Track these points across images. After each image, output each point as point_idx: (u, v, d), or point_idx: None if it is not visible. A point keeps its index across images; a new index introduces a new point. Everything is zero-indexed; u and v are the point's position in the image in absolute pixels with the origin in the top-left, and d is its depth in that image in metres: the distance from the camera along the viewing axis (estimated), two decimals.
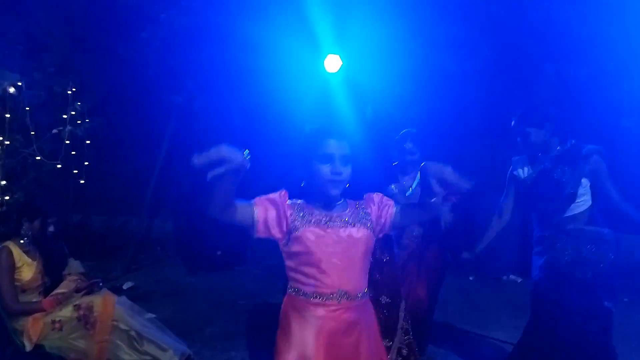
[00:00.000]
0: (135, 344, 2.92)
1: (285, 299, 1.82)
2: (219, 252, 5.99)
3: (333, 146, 1.74)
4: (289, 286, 1.80)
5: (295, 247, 1.73)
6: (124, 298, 3.21)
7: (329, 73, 5.40)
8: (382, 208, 1.84)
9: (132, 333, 2.93)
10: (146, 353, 2.91)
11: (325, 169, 1.73)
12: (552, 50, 6.12)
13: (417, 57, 5.81)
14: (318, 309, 1.71)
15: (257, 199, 1.75)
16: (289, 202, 1.79)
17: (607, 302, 2.81)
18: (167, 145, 6.54)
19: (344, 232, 1.74)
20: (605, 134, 6.09)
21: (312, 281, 1.71)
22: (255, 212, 1.72)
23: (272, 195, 1.78)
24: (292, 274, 1.77)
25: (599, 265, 2.77)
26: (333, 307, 1.71)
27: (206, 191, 1.62)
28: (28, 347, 2.76)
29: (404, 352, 2.63)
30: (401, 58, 5.75)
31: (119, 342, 2.89)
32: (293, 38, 5.90)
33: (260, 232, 1.74)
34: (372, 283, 2.51)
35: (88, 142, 6.13)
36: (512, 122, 2.95)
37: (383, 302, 2.62)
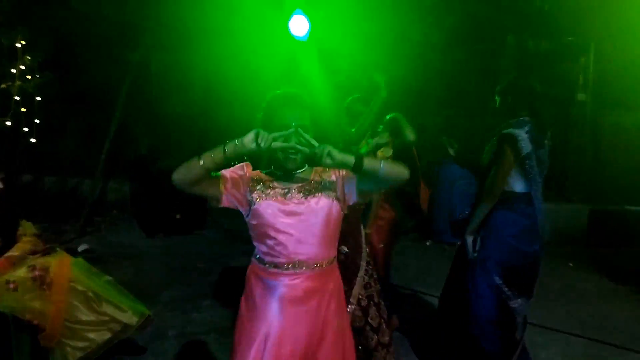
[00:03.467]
0: (93, 304, 2.86)
1: (250, 264, 1.84)
2: (178, 216, 5.91)
3: (289, 116, 1.69)
4: (254, 252, 1.81)
5: (254, 219, 1.73)
6: (80, 259, 3.12)
7: (295, 37, 5.29)
8: (345, 178, 1.79)
9: (90, 294, 2.87)
10: (105, 314, 2.86)
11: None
12: (514, 23, 6.23)
13: (385, 23, 5.78)
14: (278, 278, 1.72)
15: (222, 172, 1.72)
16: (251, 173, 1.78)
17: (486, 278, 2.70)
18: (123, 104, 6.30)
19: (302, 204, 1.72)
20: (561, 107, 6.33)
21: (269, 251, 1.72)
22: (221, 187, 1.71)
23: (236, 168, 1.76)
24: (254, 243, 1.78)
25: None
26: (291, 277, 1.72)
27: (186, 163, 1.62)
28: None
29: (363, 303, 2.64)
30: (369, 24, 5.71)
31: (76, 302, 2.82)
32: None
33: (225, 204, 1.74)
34: None
35: (39, 98, 5.83)
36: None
37: (342, 252, 2.63)
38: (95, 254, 5.10)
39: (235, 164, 1.76)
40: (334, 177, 1.80)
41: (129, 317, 2.91)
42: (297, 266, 1.72)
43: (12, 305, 2.68)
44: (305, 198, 1.73)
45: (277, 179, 1.77)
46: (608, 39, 6.27)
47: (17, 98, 5.53)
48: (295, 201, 1.72)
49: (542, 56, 5.89)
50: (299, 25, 5.26)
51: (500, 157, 2.65)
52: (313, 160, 1.77)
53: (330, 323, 1.78)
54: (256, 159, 1.80)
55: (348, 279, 2.60)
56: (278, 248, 1.71)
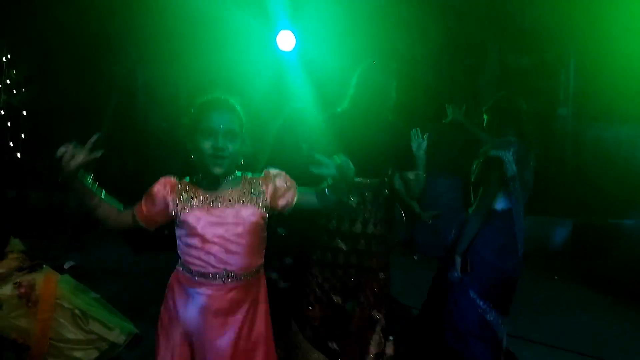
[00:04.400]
0: (80, 322, 2.83)
1: (174, 272, 1.82)
2: (166, 232, 5.86)
3: (216, 120, 1.68)
4: (178, 261, 1.79)
5: (181, 230, 1.73)
6: (66, 276, 3.09)
7: (282, 51, 5.33)
8: (283, 190, 1.78)
9: (77, 312, 2.85)
10: (91, 332, 2.84)
11: (207, 145, 1.67)
12: (495, 39, 6.35)
13: (372, 38, 5.86)
14: (202, 288, 1.70)
15: (137, 204, 1.76)
16: (174, 183, 1.76)
17: (476, 298, 2.75)
18: (110, 118, 6.28)
19: (229, 212, 1.70)
20: (542, 121, 6.45)
21: (196, 261, 1.70)
22: (137, 217, 1.75)
23: (152, 190, 1.76)
24: (180, 251, 1.76)
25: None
26: (217, 287, 1.70)
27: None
28: None
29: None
30: (356, 39, 5.77)
31: (62, 320, 2.80)
32: (243, 10, 5.78)
33: (151, 228, 1.79)
34: (373, 259, 2.53)
35: (24, 112, 5.80)
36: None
37: (380, 277, 2.61)
38: (82, 271, 5.02)
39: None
40: (264, 187, 1.77)
41: (117, 336, 2.89)
42: (225, 276, 1.69)
43: None
44: (233, 206, 1.71)
45: (204, 187, 1.75)
46: (587, 53, 6.43)
47: (1, 112, 5.48)
48: (223, 210, 1.70)
49: (523, 71, 6.01)
50: (286, 40, 5.32)
51: (487, 179, 2.73)
52: (241, 166, 1.80)
53: (254, 334, 1.76)
54: (184, 167, 1.82)
55: (383, 301, 2.59)
56: (206, 258, 1.68)
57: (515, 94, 2.91)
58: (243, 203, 1.72)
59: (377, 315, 2.62)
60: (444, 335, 2.87)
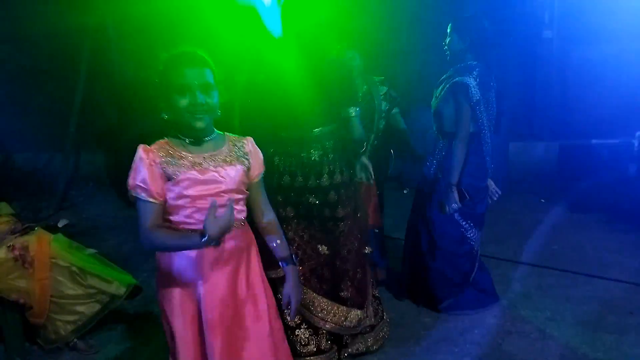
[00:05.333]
0: (78, 278, 2.89)
1: None
2: None
3: (190, 75, 1.63)
4: (169, 220, 1.76)
5: (171, 193, 1.70)
6: (60, 235, 3.11)
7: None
8: (258, 166, 1.86)
9: (73, 268, 2.89)
10: (91, 286, 2.90)
11: (184, 102, 1.63)
12: None
13: None
14: None
15: (147, 197, 1.66)
16: (154, 149, 1.69)
17: (459, 220, 2.99)
18: (85, 72, 6.11)
19: (217, 172, 1.71)
20: (528, 45, 6.35)
21: (187, 220, 1.71)
22: (159, 201, 1.67)
23: (140, 171, 1.65)
24: (170, 209, 1.73)
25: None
26: None
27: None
28: None
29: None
30: None
31: (60, 278, 2.85)
32: None
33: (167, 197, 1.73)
34: (348, 206, 2.52)
35: None
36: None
37: (359, 216, 2.65)
38: (76, 228, 5.06)
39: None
40: (248, 148, 1.82)
41: (116, 288, 2.95)
42: None
43: None
44: (220, 166, 1.72)
45: (187, 147, 1.72)
46: None
47: None
48: (210, 171, 1.70)
49: None
50: None
51: (458, 107, 2.83)
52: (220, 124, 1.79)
53: (252, 278, 1.84)
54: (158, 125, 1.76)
55: (358, 276, 2.60)
56: (196, 215, 1.70)
57: (482, 15, 2.92)
58: (230, 162, 1.75)
59: (368, 249, 2.70)
60: (425, 258, 3.12)
